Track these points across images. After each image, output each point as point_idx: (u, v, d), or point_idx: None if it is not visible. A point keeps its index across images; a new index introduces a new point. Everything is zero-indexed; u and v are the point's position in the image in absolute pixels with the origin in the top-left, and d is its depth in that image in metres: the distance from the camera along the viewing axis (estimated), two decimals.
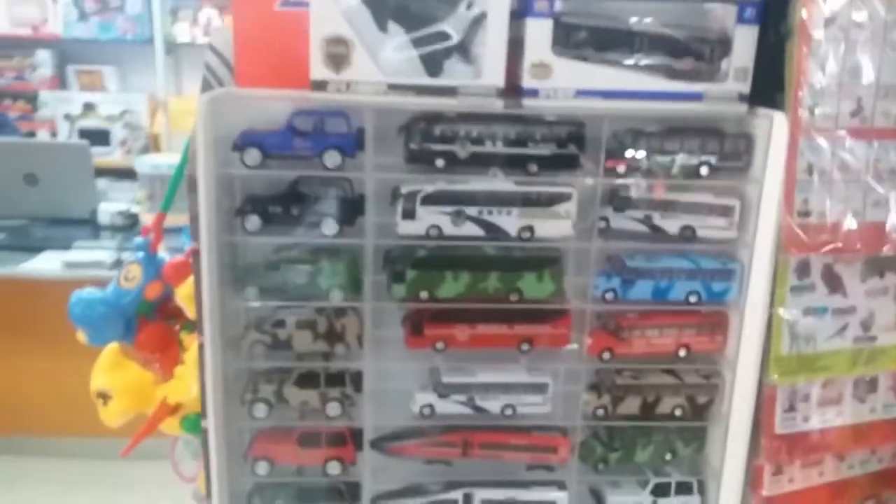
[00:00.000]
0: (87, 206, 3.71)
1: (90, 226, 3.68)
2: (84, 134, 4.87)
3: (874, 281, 1.56)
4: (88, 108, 4.99)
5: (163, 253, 1.82)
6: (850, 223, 1.49)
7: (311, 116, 1.45)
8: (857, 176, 1.49)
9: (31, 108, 5.08)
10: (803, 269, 1.51)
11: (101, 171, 4.19)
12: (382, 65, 1.43)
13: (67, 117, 5.01)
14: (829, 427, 1.58)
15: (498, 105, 1.46)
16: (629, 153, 1.52)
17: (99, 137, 4.91)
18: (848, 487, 1.67)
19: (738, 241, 1.56)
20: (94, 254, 3.31)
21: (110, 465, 3.17)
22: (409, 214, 1.49)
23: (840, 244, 1.47)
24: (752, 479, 1.57)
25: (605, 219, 1.57)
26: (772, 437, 1.54)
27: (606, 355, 1.58)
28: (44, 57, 5.04)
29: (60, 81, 5.10)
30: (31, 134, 4.97)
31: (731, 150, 1.55)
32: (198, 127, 1.36)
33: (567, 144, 1.52)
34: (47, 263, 3.29)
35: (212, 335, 1.42)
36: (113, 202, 3.88)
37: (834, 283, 1.54)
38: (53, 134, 5.02)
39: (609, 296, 1.56)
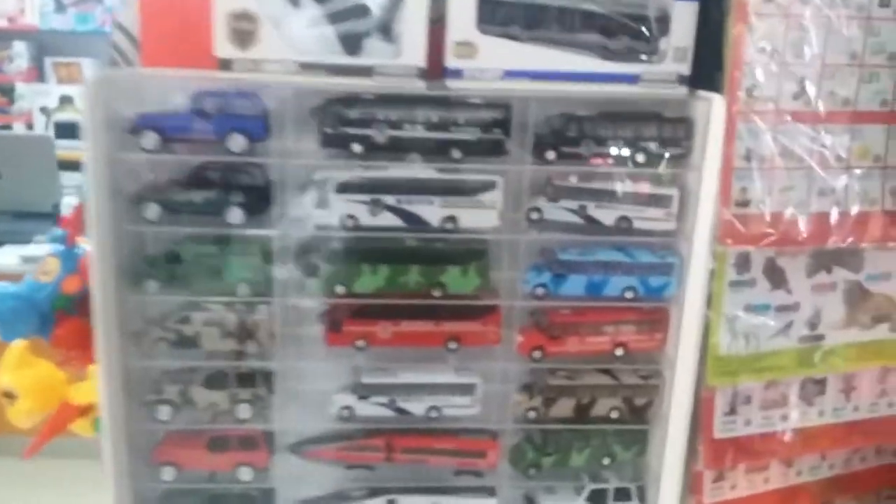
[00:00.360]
0: (49, 199, 3.64)
1: (52, 220, 3.61)
2: (60, 127, 4.78)
3: (821, 276, 1.47)
4: (65, 100, 4.91)
5: (84, 245, 1.75)
6: (792, 214, 1.39)
7: (215, 97, 1.36)
8: (800, 163, 1.40)
9: (7, 101, 5.02)
10: (743, 264, 1.42)
11: (78, 165, 4.14)
12: (293, 42, 1.34)
13: (44, 110, 4.94)
14: (773, 431, 1.50)
15: (419, 86, 1.37)
16: (561, 139, 1.44)
17: (76, 130, 4.84)
18: (796, 495, 1.57)
19: (678, 233, 1.46)
20: (52, 248, 3.24)
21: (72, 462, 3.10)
22: (323, 203, 1.40)
23: (781, 236, 1.38)
24: (691, 486, 1.48)
25: (538, 209, 1.48)
26: (711, 441, 1.45)
27: (537, 354, 1.48)
28: (20, 49, 4.97)
29: (38, 74, 5.03)
30: (7, 127, 4.90)
31: (671, 136, 1.44)
32: (85, 109, 1.28)
33: (493, 129, 1.42)
34: (5, 258, 3.21)
35: (107, 331, 1.33)
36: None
37: (777, 278, 1.44)
38: (30, 126, 4.95)
39: (540, 291, 1.47)
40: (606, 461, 1.54)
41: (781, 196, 1.38)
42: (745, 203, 1.37)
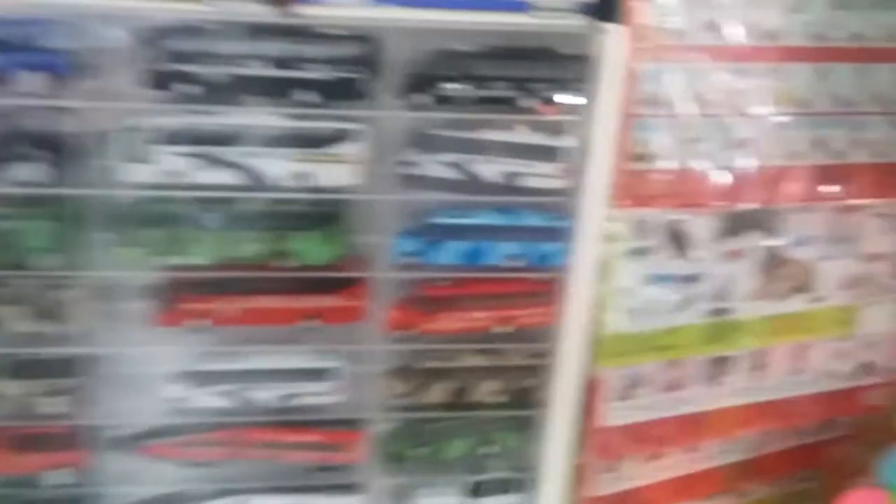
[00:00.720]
0: None
1: None
2: None
3: (732, 241, 1.29)
4: None
5: None
6: (700, 169, 1.21)
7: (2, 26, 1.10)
8: (711, 109, 1.20)
9: None
10: (642, 228, 1.23)
11: None
12: None
13: None
14: (674, 416, 1.34)
15: (262, 13, 1.11)
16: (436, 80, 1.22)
17: None
18: (701, 482, 1.43)
19: (571, 192, 1.27)
20: None
21: None
22: (143, 157, 1.16)
23: (686, 196, 1.20)
24: (579, 478, 1.33)
25: (410, 164, 1.26)
26: (599, 430, 1.29)
27: (409, 333, 1.28)
28: None
29: None
30: None
31: (566, 77, 1.23)
32: None
33: (353, 67, 1.19)
34: None
35: None
36: None
37: (680, 244, 1.26)
38: None
39: (410, 260, 1.27)
40: (489, 451, 1.37)
41: (688, 149, 1.19)
42: (645, 157, 1.17)
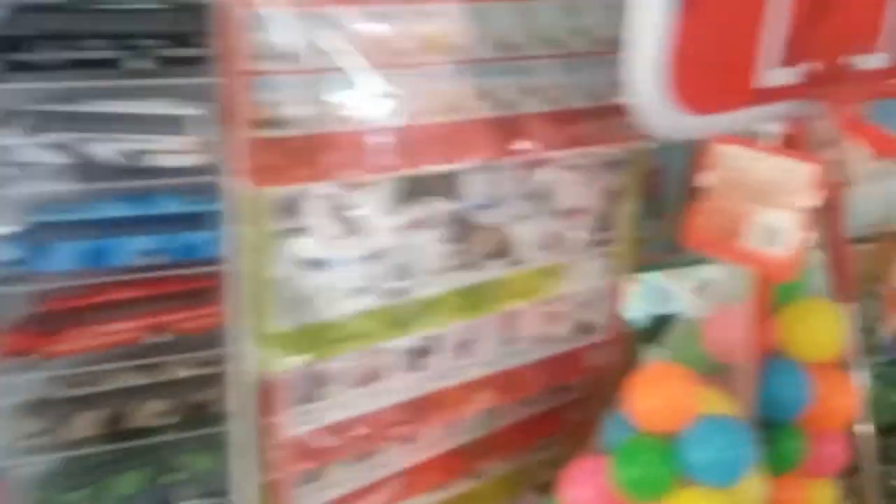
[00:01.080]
0: None
1: None
2: None
3: (409, 210, 1.12)
4: None
5: None
6: (354, 133, 1.02)
7: None
8: (353, 61, 1.01)
9: None
10: (293, 205, 1.04)
11: None
12: None
13: None
14: (379, 409, 1.19)
15: None
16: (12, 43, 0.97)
17: None
18: (425, 472, 1.30)
19: (209, 169, 1.06)
20: None
21: None
22: None
23: (341, 163, 1.01)
24: (275, 495, 1.17)
25: (3, 150, 1.01)
26: (289, 438, 1.12)
27: (32, 359, 1.06)
28: None
29: None
30: None
31: (179, 31, 1.01)
32: None
33: None
34: None
35: None
36: None
37: (347, 219, 1.09)
38: None
39: (16, 270, 1.03)
40: (174, 479, 1.18)
41: (333, 109, 1.00)
42: (276, 123, 0.98)
